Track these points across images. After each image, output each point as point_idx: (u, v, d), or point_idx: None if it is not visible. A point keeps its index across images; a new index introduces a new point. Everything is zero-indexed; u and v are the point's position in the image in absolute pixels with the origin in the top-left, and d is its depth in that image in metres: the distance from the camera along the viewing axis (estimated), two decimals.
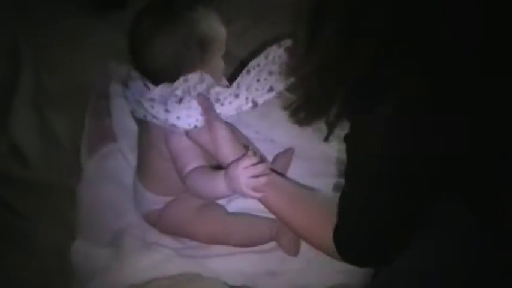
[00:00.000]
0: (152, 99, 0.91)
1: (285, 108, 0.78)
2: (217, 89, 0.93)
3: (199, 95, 0.91)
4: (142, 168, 1.06)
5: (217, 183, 0.89)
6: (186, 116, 0.90)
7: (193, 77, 0.93)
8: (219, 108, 0.92)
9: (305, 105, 0.75)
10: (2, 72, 1.29)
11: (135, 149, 1.14)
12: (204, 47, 0.93)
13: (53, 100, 1.27)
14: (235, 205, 1.09)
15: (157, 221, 1.06)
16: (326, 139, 0.77)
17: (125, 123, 1.20)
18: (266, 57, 0.94)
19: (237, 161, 0.87)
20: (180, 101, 0.90)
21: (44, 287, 0.96)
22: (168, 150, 0.95)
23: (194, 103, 0.90)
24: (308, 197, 0.94)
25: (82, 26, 1.45)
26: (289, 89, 0.87)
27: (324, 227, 0.83)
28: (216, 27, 0.95)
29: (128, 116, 1.19)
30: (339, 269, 1.02)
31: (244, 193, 0.86)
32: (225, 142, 0.90)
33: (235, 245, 1.03)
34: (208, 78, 0.94)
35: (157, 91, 0.92)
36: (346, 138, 0.75)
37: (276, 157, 1.16)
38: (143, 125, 1.01)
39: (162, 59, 0.92)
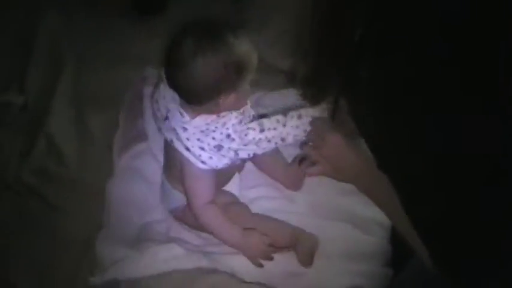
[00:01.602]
0: (186, 130, 0.96)
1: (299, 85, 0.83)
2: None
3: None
4: (168, 169, 1.10)
5: (232, 235, 1.02)
6: (218, 160, 0.97)
7: (230, 119, 0.98)
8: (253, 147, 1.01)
9: (312, 77, 0.78)
10: (44, 73, 1.35)
11: None
12: (239, 71, 0.94)
13: (90, 100, 1.32)
14: (259, 205, 1.11)
15: (183, 216, 1.09)
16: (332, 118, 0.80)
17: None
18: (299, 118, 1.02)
19: (254, 235, 1.01)
20: (219, 148, 0.97)
21: (68, 272, 1.02)
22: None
23: (231, 152, 0.98)
24: None
25: (121, 31, 1.50)
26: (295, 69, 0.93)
27: None
28: (250, 53, 0.96)
29: None
30: (357, 271, 1.03)
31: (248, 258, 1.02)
32: None
33: None
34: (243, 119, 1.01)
35: (194, 124, 0.96)
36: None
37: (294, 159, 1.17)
38: None
39: (201, 80, 0.93)
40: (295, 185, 1.16)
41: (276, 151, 1.18)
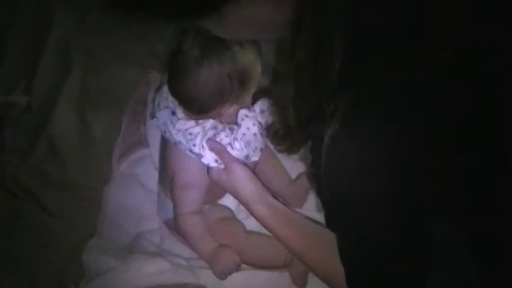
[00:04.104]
0: (178, 131, 0.95)
1: (272, 139, 0.80)
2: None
3: (208, 139, 0.94)
4: (163, 177, 1.08)
5: (204, 248, 0.99)
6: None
7: (208, 124, 0.96)
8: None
9: (287, 133, 0.75)
10: (52, 75, 1.34)
11: None
12: (243, 82, 0.92)
13: (95, 103, 1.30)
14: (256, 222, 1.08)
15: (176, 229, 1.07)
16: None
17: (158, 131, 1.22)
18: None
19: (226, 252, 0.98)
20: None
21: (55, 279, 1.00)
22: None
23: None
24: (317, 231, 0.91)
25: (132, 32, 1.47)
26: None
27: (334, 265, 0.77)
28: (256, 64, 0.93)
29: None
30: None
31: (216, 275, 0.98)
32: (246, 183, 0.93)
33: (247, 263, 1.02)
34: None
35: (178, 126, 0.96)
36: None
37: (300, 175, 1.14)
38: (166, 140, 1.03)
39: (203, 90, 0.91)
40: (298, 201, 1.13)
41: (279, 165, 1.15)
